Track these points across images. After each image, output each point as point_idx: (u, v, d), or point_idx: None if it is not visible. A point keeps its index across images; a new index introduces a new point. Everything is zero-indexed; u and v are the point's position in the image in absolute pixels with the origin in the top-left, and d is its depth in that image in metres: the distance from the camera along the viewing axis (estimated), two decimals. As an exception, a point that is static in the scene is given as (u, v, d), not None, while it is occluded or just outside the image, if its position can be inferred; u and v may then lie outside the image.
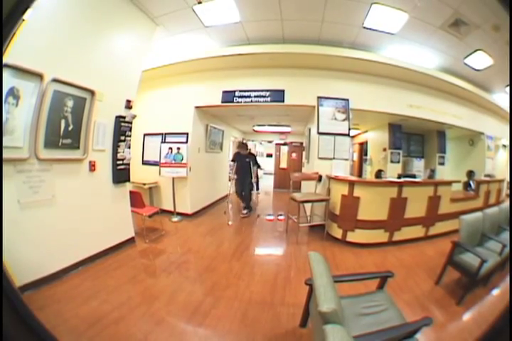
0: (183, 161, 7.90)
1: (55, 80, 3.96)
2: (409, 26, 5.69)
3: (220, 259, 5.29)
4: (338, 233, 6.37)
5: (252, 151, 10.12)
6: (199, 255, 5.38)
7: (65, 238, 4.39)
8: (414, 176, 7.94)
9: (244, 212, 9.10)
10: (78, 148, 4.62)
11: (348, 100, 7.45)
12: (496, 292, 4.15)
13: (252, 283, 4.45)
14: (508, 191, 9.60)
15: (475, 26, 5.41)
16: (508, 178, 9.63)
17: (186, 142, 8.10)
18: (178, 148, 7.89)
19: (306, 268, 4.83)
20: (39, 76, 3.72)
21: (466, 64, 7.04)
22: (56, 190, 4.24)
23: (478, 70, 7.28)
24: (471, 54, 6.53)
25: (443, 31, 5.72)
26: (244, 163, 9.06)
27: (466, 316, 3.61)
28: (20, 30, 3.42)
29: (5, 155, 3.45)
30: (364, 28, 5.94)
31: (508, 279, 4.41)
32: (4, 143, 3.42)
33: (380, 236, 6.08)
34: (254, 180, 9.26)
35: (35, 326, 1.31)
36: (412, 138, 11.38)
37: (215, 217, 8.45)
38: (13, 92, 3.45)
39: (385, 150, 10.64)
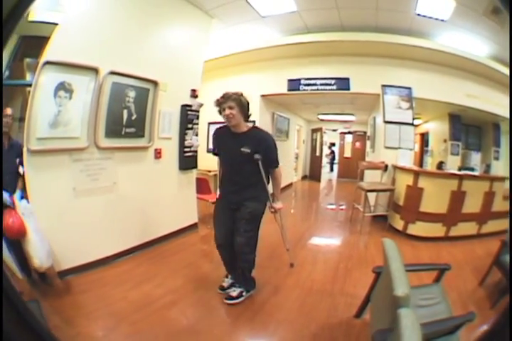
0: (251, 149, 7.75)
1: (113, 73, 3.97)
2: (457, 13, 5.31)
3: (283, 247, 5.15)
4: (399, 224, 6.06)
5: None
6: (262, 242, 5.24)
7: (125, 223, 4.42)
8: (472, 169, 7.48)
9: (234, 293, 3.44)
10: (143, 136, 4.65)
11: (410, 88, 7.08)
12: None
13: (314, 271, 4.30)
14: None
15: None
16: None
17: (253, 130, 7.92)
18: (246, 136, 7.78)
19: (368, 258, 4.79)
20: (94, 70, 3.75)
21: (512, 52, 6.45)
22: (118, 177, 4.26)
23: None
24: (514, 42, 5.94)
25: (486, 18, 5.24)
26: (239, 156, 3.33)
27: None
28: (73, 26, 3.56)
29: (59, 145, 3.54)
30: (417, 14, 5.60)
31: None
32: (57, 135, 3.51)
33: (438, 230, 5.71)
34: (278, 205, 3.69)
35: (35, 326, 1.24)
36: (470, 129, 10.50)
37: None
38: (65, 86, 3.51)
39: (445, 141, 10.03)
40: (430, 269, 3.08)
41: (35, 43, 3.52)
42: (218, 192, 3.76)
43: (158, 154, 4.94)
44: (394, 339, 1.52)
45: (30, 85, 3.31)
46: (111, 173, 4.16)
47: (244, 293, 3.48)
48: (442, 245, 5.45)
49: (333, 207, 8.58)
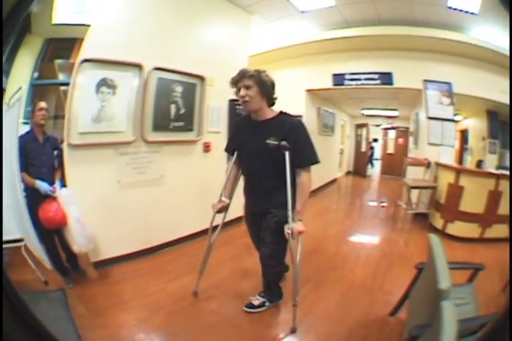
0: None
1: (157, 68, 4.02)
2: (485, 6, 5.10)
3: (329, 242, 5.13)
4: (439, 223, 5.84)
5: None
6: (308, 237, 5.18)
7: (170, 215, 4.46)
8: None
9: (256, 302, 3.01)
10: (192, 130, 4.73)
11: (450, 84, 6.86)
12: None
13: (356, 266, 4.26)
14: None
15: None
16: None
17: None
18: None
19: (408, 256, 4.69)
20: (137, 66, 3.81)
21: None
22: (166, 170, 4.34)
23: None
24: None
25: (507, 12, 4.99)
26: (263, 151, 2.67)
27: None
28: (115, 23, 3.65)
29: (104, 139, 3.64)
30: (449, 8, 5.42)
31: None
32: (101, 129, 3.61)
33: (473, 230, 5.45)
34: (298, 227, 2.67)
35: (35, 326, 1.26)
36: (506, 127, 10.12)
37: (324, 199, 8.18)
38: (107, 83, 3.60)
39: (483, 139, 9.53)
40: (465, 268, 3.02)
41: (62, 44, 3.65)
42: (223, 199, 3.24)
43: (207, 148, 5.01)
44: (431, 333, 1.55)
45: (64, 84, 3.44)
46: (158, 166, 4.23)
47: (267, 303, 3.04)
48: (476, 246, 5.25)
49: (375, 204, 8.45)
